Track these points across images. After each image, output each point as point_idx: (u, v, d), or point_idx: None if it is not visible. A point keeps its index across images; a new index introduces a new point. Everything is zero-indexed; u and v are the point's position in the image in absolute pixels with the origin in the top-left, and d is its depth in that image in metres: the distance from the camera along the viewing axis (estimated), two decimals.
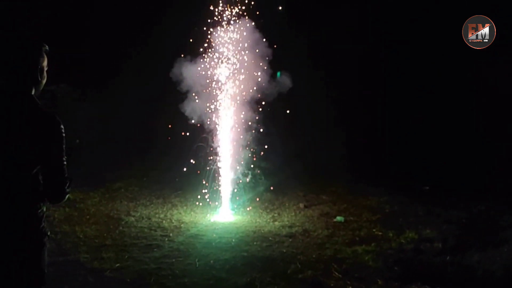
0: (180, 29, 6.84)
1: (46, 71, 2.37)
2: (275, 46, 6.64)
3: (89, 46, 9.84)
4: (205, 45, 6.67)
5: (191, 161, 6.98)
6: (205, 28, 6.63)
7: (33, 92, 2.30)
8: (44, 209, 2.31)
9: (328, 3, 10.18)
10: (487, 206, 6.99)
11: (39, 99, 2.29)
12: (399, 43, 10.30)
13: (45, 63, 2.34)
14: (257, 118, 6.85)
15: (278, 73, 6.84)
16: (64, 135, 2.27)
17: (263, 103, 6.86)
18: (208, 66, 6.68)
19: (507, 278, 4.35)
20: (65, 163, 2.28)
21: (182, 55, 6.63)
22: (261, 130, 6.88)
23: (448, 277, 4.43)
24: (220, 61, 6.72)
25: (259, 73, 6.64)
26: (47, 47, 2.35)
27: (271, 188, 7.74)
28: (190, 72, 6.58)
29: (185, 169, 7.09)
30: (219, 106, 6.84)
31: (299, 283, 4.25)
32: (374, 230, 5.95)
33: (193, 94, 6.67)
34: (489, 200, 7.20)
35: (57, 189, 2.29)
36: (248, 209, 7.01)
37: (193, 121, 6.73)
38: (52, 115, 2.26)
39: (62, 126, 2.25)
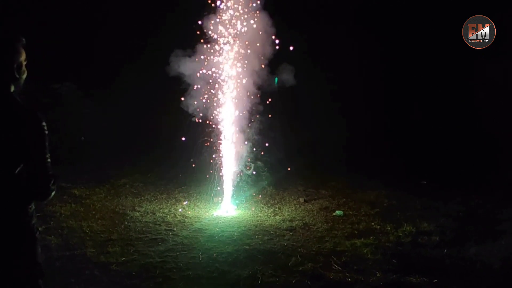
0: (184, 28, 6.88)
1: (26, 65, 2.26)
2: (276, 42, 6.68)
3: (94, 45, 9.89)
4: (205, 36, 6.69)
5: (193, 159, 7.07)
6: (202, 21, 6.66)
7: (12, 89, 2.22)
8: (33, 206, 2.30)
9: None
10: (484, 199, 7.06)
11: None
12: (399, 42, 10.31)
13: (22, 58, 2.24)
14: (258, 113, 6.92)
15: (276, 79, 6.90)
16: (46, 132, 2.20)
17: (265, 98, 6.92)
18: (208, 58, 6.72)
19: (504, 271, 4.41)
20: (49, 160, 2.23)
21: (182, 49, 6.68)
22: (264, 124, 6.94)
23: (446, 269, 4.50)
24: (219, 51, 6.76)
25: (261, 65, 6.69)
26: (23, 41, 2.23)
27: (273, 183, 7.82)
28: (188, 66, 6.63)
29: (193, 165, 7.18)
30: (220, 99, 6.89)
31: (299, 275, 4.32)
32: (372, 223, 6.03)
33: (194, 88, 6.73)
34: (487, 194, 7.27)
35: (41, 186, 2.24)
36: (249, 204, 7.11)
37: (195, 117, 6.81)
38: (33, 112, 2.19)
39: (44, 123, 2.19)
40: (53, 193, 2.30)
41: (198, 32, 6.61)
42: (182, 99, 6.69)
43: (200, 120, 6.87)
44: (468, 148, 9.22)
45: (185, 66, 6.63)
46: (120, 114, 10.02)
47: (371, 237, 5.42)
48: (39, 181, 2.23)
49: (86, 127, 9.36)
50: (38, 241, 2.33)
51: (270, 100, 7.00)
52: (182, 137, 7.02)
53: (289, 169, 7.26)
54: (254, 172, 7.29)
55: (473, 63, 9.18)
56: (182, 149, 7.43)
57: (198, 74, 6.71)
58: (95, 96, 9.89)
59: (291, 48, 6.84)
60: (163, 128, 9.04)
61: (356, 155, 9.30)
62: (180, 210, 6.65)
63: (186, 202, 7.08)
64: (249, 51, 6.66)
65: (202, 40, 6.68)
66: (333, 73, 10.10)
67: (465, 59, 9.18)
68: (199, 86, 6.76)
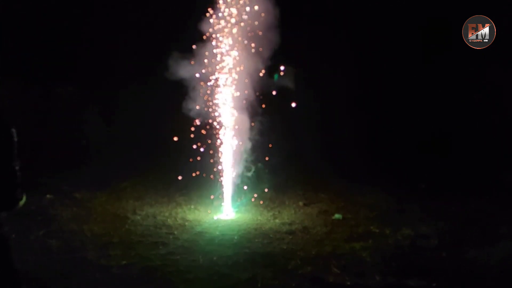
0: (188, 32, 6.94)
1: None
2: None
3: (97, 49, 9.92)
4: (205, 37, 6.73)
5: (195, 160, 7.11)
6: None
7: None
8: (4, 214, 2.26)
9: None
10: (483, 202, 7.05)
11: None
12: (399, 42, 10.31)
13: None
14: (259, 114, 6.98)
15: (276, 76, 6.95)
16: (15, 139, 2.16)
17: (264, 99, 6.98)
18: (206, 61, 6.77)
19: (503, 274, 4.44)
20: (16, 168, 2.19)
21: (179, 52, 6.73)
22: (264, 125, 6.99)
23: (445, 272, 4.53)
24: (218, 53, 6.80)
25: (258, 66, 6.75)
26: None
27: (272, 187, 7.86)
28: (187, 69, 6.68)
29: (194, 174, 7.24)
30: (219, 102, 6.94)
31: (299, 279, 4.35)
32: (371, 227, 6.04)
33: (193, 91, 6.79)
34: (485, 197, 7.26)
35: (6, 195, 2.18)
36: (249, 207, 7.15)
37: (196, 120, 6.87)
38: (1, 119, 2.16)
39: (13, 130, 2.15)
40: (21, 203, 2.23)
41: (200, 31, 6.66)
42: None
43: (199, 123, 6.93)
44: (467, 151, 9.23)
45: (184, 69, 6.69)
46: (122, 118, 10.04)
47: (370, 241, 5.45)
48: (4, 190, 2.17)
49: (88, 131, 9.41)
50: (11, 249, 2.29)
51: (269, 101, 7.05)
52: (183, 139, 7.07)
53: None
54: (253, 177, 7.31)
55: (471, 63, 9.19)
56: (183, 153, 7.47)
57: (197, 76, 6.76)
58: (97, 100, 9.92)
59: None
60: (164, 132, 9.05)
61: (354, 158, 9.32)
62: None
63: (192, 206, 7.11)
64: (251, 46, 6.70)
65: (203, 38, 6.72)
66: (330, 74, 10.08)
67: (463, 60, 9.19)
68: (198, 89, 6.81)
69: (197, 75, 6.76)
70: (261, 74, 6.80)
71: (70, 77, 9.73)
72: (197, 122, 6.90)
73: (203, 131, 7.02)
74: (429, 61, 10.20)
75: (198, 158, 7.07)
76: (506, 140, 8.79)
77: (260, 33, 6.61)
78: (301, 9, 9.68)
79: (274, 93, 6.99)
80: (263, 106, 7.02)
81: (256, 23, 6.61)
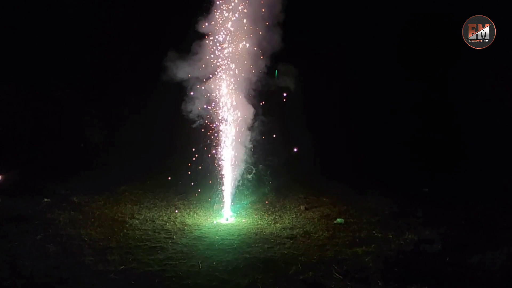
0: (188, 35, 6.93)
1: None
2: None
3: (96, 53, 9.92)
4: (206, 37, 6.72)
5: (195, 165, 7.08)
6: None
7: None
8: None
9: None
10: (486, 207, 7.03)
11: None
12: (397, 43, 10.32)
13: None
14: (259, 115, 6.96)
15: (276, 72, 6.94)
16: None
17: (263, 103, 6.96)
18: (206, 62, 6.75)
19: (506, 279, 4.40)
20: None
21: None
22: (265, 126, 6.97)
23: (448, 278, 4.48)
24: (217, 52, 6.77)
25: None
26: None
27: (273, 190, 7.83)
28: (186, 69, 6.66)
29: (189, 172, 7.19)
30: (219, 104, 6.91)
31: (300, 284, 4.31)
32: (374, 231, 6.00)
33: (192, 93, 6.75)
34: (488, 201, 7.24)
35: None
36: (250, 211, 7.10)
37: (196, 122, 6.84)
38: None
39: None
40: None
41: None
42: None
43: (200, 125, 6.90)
44: (469, 155, 9.22)
45: (183, 71, 6.66)
46: (121, 122, 10.02)
47: (373, 245, 5.40)
48: None
49: (86, 134, 9.39)
50: None
51: (269, 102, 7.03)
52: (182, 145, 7.03)
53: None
54: (254, 180, 7.26)
55: (472, 66, 9.19)
56: (182, 156, 7.43)
57: (196, 78, 6.74)
58: (96, 104, 9.90)
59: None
60: (163, 134, 9.03)
61: (356, 163, 9.31)
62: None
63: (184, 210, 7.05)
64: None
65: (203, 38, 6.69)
66: (331, 78, 10.08)
67: (464, 61, 9.19)
68: (198, 90, 6.78)
69: (197, 76, 6.74)
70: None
71: (69, 80, 9.72)
72: (196, 125, 6.87)
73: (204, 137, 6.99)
74: (429, 63, 10.21)
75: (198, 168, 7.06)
76: (507, 144, 8.77)
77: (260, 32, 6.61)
78: (300, 12, 9.69)
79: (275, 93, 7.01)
80: (263, 109, 6.99)
81: (259, 31, 6.61)
